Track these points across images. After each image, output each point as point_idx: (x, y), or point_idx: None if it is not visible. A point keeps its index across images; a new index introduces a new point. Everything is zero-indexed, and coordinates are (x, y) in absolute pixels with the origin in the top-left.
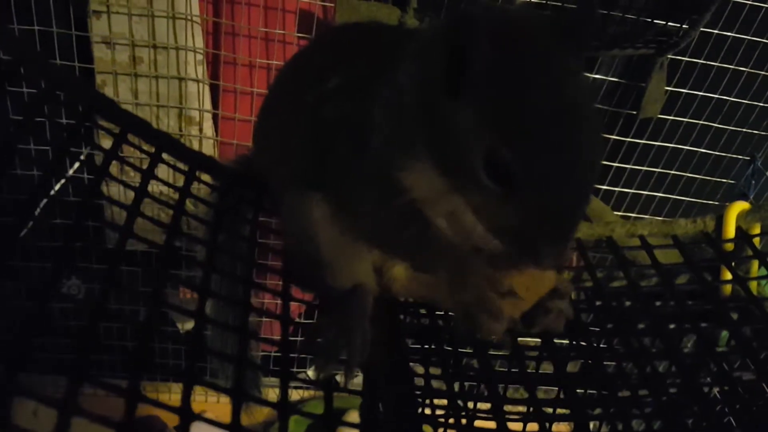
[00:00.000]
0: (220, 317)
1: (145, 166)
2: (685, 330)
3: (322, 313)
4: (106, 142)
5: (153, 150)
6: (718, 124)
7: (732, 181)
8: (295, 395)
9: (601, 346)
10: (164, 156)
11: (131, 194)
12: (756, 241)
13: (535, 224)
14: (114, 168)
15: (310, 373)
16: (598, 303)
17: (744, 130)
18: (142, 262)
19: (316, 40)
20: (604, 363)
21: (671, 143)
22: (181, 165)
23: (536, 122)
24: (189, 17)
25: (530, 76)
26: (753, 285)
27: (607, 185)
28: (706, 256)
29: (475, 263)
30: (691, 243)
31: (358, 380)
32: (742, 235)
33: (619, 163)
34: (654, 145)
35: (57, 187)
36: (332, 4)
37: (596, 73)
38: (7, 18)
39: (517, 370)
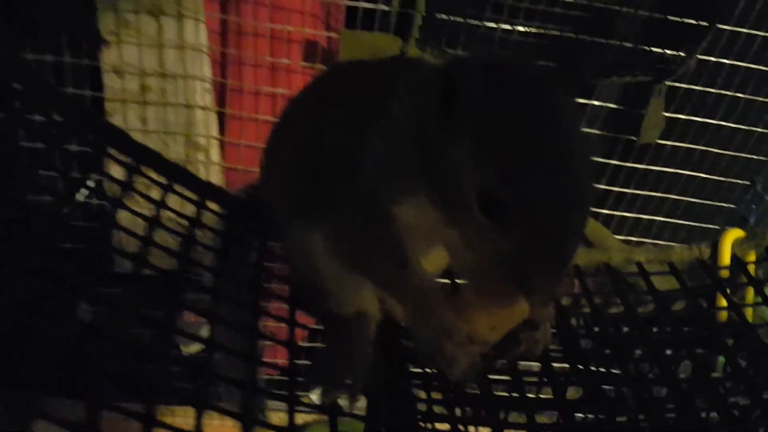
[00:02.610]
0: (227, 342)
1: (153, 193)
2: (681, 356)
3: (326, 338)
4: (115, 169)
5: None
6: (717, 149)
7: (732, 206)
8: (298, 419)
9: (600, 371)
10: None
11: (140, 220)
12: (751, 268)
13: (527, 258)
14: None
15: (313, 396)
16: (596, 329)
17: (743, 155)
18: (146, 285)
19: (319, 77)
20: (603, 388)
21: (671, 168)
22: (189, 193)
23: (528, 159)
24: (197, 47)
25: (521, 114)
26: (748, 311)
27: (608, 209)
28: (702, 282)
29: (443, 299)
30: (688, 270)
31: (361, 404)
32: (737, 262)
33: (619, 188)
34: (654, 170)
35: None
36: (336, 35)
37: (595, 100)
38: (20, 47)
39: (517, 394)
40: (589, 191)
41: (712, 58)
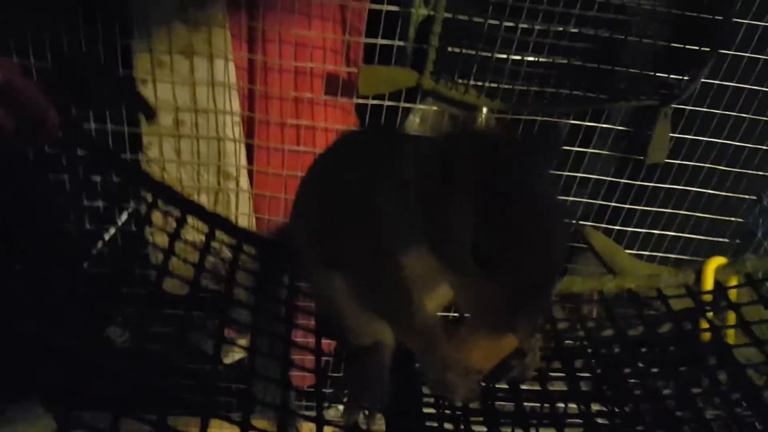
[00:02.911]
0: (263, 371)
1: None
2: (667, 374)
3: (347, 365)
4: (165, 220)
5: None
6: (724, 167)
7: (741, 220)
8: None
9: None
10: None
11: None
12: (732, 292)
13: (512, 302)
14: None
15: (332, 412)
16: (589, 350)
17: (749, 171)
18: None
19: (334, 144)
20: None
21: (679, 185)
22: (228, 238)
23: (511, 222)
24: (227, 84)
25: (505, 186)
26: (730, 333)
27: (620, 226)
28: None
29: (444, 335)
30: (674, 296)
31: (381, 425)
32: (719, 287)
33: (630, 205)
34: (663, 187)
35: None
36: (356, 70)
37: (604, 123)
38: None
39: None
40: (560, 248)
41: (716, 81)
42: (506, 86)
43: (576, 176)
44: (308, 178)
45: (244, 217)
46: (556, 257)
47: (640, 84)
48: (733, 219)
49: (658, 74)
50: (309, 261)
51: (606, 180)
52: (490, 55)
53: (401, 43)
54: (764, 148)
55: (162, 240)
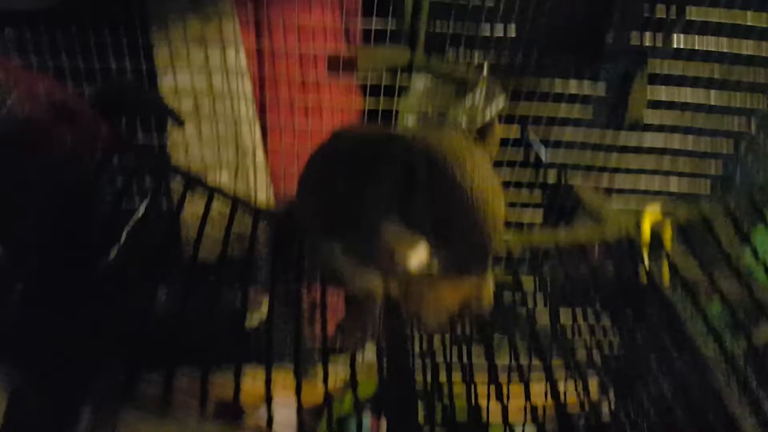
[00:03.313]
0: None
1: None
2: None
3: (348, 307)
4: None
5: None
6: (702, 120)
7: (721, 167)
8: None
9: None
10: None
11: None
12: (667, 236)
13: (458, 262)
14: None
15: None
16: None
17: (725, 118)
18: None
19: (325, 142)
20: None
21: (662, 138)
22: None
23: (459, 201)
24: (238, 71)
25: (445, 180)
26: (665, 274)
27: (608, 181)
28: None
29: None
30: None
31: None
32: (654, 235)
33: (617, 160)
34: (646, 141)
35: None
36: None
37: (587, 87)
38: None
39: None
40: (500, 216)
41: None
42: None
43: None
44: (306, 172)
45: (262, 188)
46: (487, 229)
47: (617, 49)
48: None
49: (631, 40)
50: (314, 231)
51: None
52: (475, 32)
53: (393, 28)
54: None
55: (193, 218)
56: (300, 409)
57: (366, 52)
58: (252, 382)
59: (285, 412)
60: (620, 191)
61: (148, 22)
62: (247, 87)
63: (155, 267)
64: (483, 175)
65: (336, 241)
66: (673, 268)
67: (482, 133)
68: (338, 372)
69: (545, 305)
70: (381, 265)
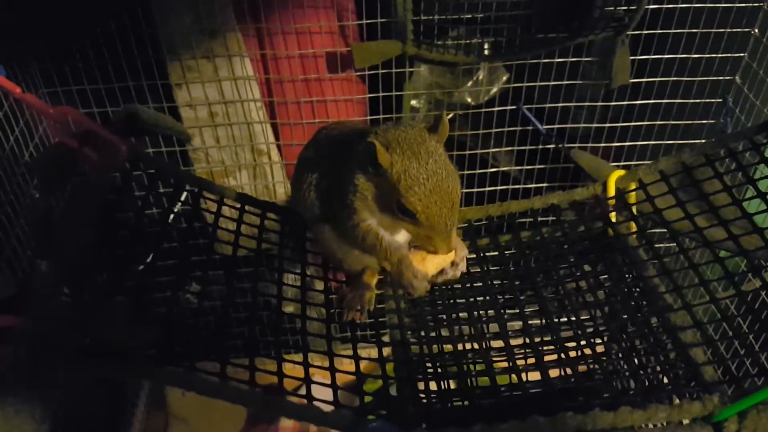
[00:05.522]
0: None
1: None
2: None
3: (347, 284)
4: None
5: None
6: (687, 77)
7: (712, 121)
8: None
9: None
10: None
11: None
12: (631, 195)
13: (430, 233)
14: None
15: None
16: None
17: (711, 78)
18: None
19: (314, 137)
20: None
21: (651, 100)
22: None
23: (420, 184)
24: (246, 78)
25: (413, 160)
26: (631, 228)
27: (605, 142)
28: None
29: (400, 251)
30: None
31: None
32: (619, 193)
33: (609, 123)
34: (636, 103)
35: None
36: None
37: (571, 56)
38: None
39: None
40: (456, 196)
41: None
42: (478, 41)
43: (557, 106)
44: (298, 165)
45: (279, 184)
46: (453, 203)
47: (596, 19)
48: (705, 122)
49: (607, 8)
50: (309, 218)
51: (584, 105)
52: (459, 17)
53: (383, 20)
54: (719, 56)
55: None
56: (335, 385)
57: (360, 48)
58: (291, 366)
59: (323, 391)
60: (618, 153)
61: (158, 40)
62: (255, 92)
63: (190, 268)
64: (438, 160)
65: (329, 226)
66: (639, 223)
67: (435, 126)
68: (369, 353)
69: (521, 264)
70: (371, 247)
